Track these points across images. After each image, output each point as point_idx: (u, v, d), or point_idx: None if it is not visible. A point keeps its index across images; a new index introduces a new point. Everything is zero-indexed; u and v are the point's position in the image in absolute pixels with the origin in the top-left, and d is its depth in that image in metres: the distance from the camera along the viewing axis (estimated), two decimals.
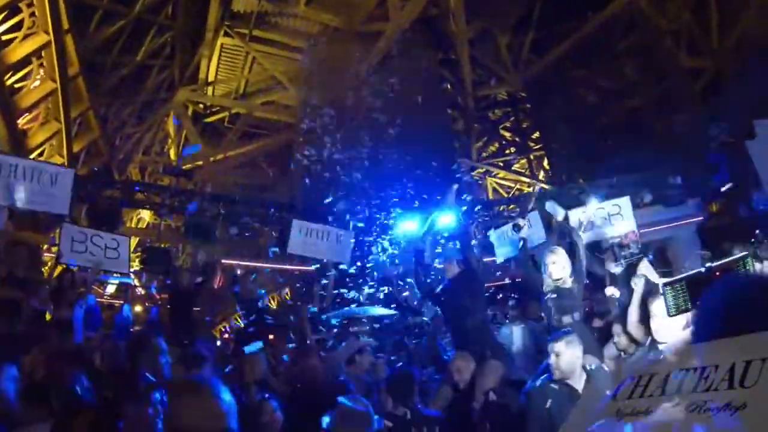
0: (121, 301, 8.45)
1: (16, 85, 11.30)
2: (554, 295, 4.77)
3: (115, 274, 15.11)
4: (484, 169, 22.56)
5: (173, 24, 15.73)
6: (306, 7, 15.87)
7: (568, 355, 3.66)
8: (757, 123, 7.60)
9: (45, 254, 11.98)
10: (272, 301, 17.53)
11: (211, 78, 18.08)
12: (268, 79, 18.57)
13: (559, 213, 5.39)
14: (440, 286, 5.46)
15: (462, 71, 17.93)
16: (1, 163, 6.49)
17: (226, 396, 1.51)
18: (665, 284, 3.22)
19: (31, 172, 6.63)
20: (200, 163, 17.96)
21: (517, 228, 5.41)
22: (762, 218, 8.37)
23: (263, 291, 8.73)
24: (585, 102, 17.85)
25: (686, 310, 2.98)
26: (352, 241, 8.84)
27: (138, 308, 15.09)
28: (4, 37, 10.41)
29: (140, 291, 17.50)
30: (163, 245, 12.58)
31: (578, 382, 3.66)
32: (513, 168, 22.51)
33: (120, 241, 7.46)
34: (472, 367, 4.33)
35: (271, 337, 7.38)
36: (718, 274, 3.07)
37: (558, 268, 4.78)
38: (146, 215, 19.54)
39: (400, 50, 15.69)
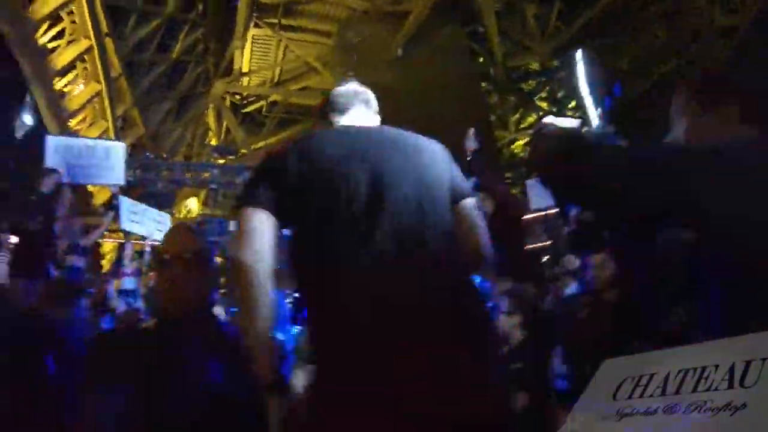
0: None
1: (65, 89, 12.07)
2: None
3: None
4: (524, 140, 22.38)
5: (204, 21, 16.29)
6: None
7: None
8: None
9: None
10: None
11: (245, 69, 18.49)
12: (301, 65, 18.87)
13: None
14: None
15: (491, 44, 17.82)
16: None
17: None
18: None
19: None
20: (244, 151, 18.55)
21: None
22: None
23: None
24: (619, 69, 17.37)
25: None
26: None
27: None
28: (49, 45, 11.14)
29: None
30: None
31: None
32: None
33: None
34: None
35: None
36: None
37: None
38: (195, 207, 20.34)
39: (429, 28, 15.73)
